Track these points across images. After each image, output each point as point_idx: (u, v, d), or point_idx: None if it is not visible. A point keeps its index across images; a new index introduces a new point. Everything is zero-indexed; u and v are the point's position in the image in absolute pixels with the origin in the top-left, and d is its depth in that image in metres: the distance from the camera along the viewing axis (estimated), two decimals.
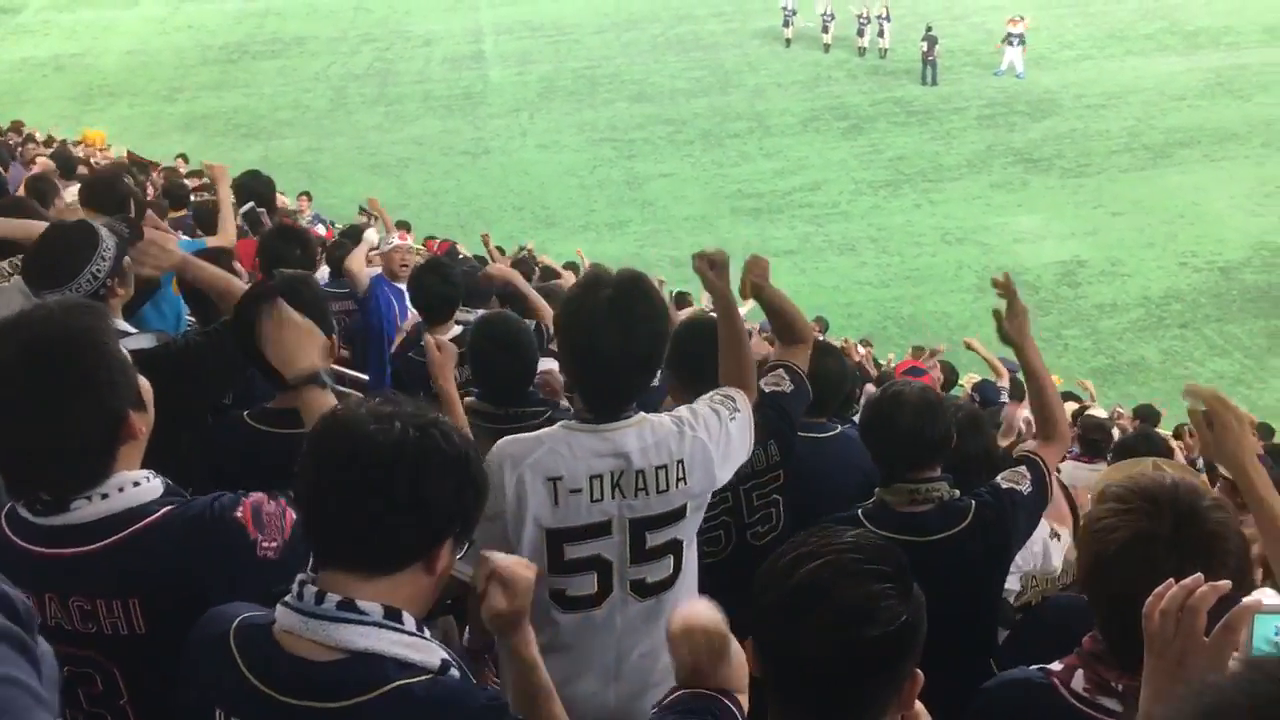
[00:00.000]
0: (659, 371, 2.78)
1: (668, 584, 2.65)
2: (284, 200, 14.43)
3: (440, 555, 1.74)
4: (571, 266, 14.86)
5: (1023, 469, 3.20)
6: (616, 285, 2.57)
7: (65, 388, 1.93)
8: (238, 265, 4.48)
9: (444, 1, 35.50)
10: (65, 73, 30.63)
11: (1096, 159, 23.26)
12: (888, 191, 22.38)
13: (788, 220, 20.49)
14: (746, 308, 6.31)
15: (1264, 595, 1.48)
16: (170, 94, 28.97)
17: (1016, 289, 3.30)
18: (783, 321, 3.41)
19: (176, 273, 3.73)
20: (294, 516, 2.10)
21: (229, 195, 5.98)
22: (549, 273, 11.90)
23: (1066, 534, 4.06)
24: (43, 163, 10.55)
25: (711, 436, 2.68)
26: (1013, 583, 3.65)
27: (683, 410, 2.73)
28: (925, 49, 27.42)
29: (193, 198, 9.90)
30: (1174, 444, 8.11)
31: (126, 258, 3.48)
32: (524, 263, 12.48)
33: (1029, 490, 3.15)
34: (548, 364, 4.58)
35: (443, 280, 5.14)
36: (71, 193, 6.24)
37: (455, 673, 1.73)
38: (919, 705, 1.75)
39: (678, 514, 2.62)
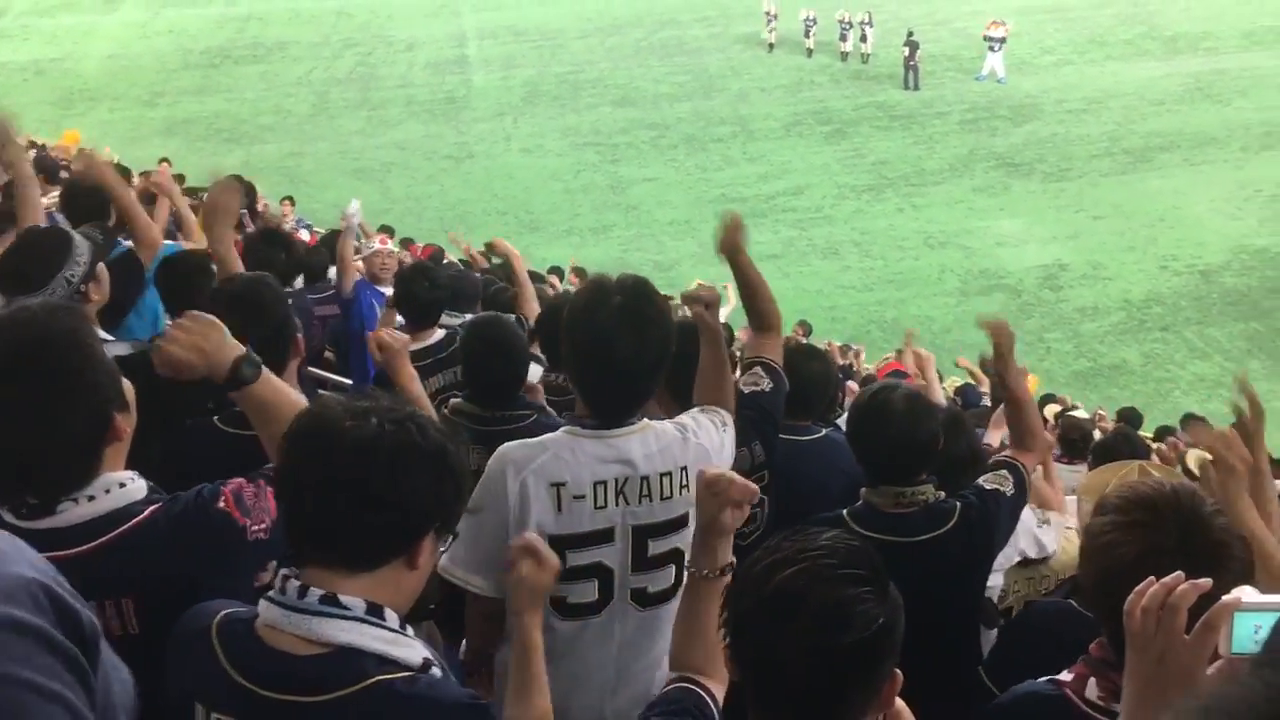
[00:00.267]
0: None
1: (668, 595, 2.63)
2: (267, 204, 14.39)
3: (422, 550, 1.74)
4: (556, 271, 14.84)
5: (1004, 472, 3.23)
6: (626, 291, 2.57)
7: (52, 390, 1.92)
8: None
9: (427, 6, 35.43)
10: (45, 77, 30.42)
11: (1077, 163, 23.38)
12: (870, 195, 22.44)
13: (771, 224, 20.51)
14: (730, 308, 6.33)
15: (1243, 593, 1.47)
16: (151, 99, 28.81)
17: (1003, 327, 3.35)
18: (753, 295, 3.37)
19: (210, 232, 3.74)
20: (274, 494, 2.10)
21: (184, 201, 5.95)
22: (534, 277, 11.88)
23: (1055, 517, 4.09)
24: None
25: (712, 444, 2.69)
26: (996, 579, 3.66)
27: (684, 418, 2.74)
28: (907, 54, 27.51)
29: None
30: (1154, 446, 8.15)
31: (101, 264, 3.47)
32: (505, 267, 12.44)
33: (1012, 492, 3.17)
34: (535, 371, 4.57)
35: (429, 285, 5.14)
36: (53, 197, 6.20)
37: (437, 671, 1.73)
38: (900, 703, 1.75)
39: (680, 522, 2.62)
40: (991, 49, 27.79)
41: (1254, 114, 25.37)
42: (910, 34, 27.70)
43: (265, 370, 2.22)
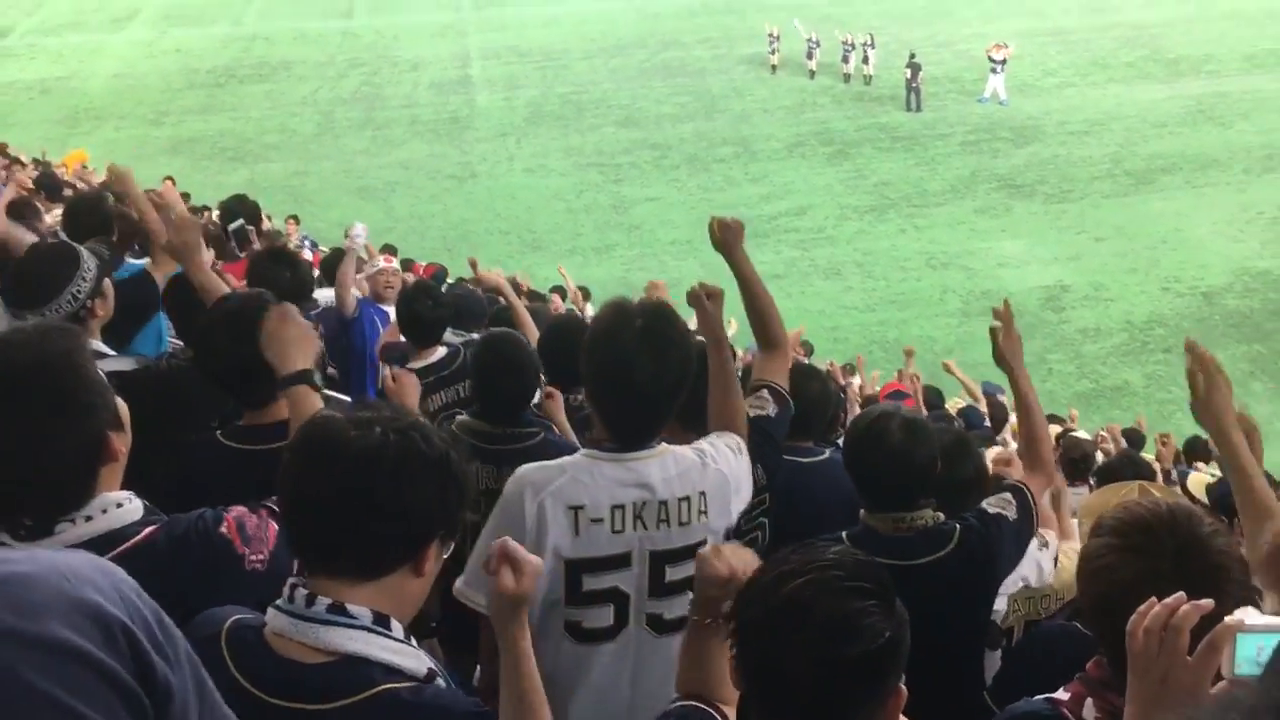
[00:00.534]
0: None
1: (685, 622, 2.61)
2: (271, 224, 14.42)
3: (427, 557, 1.75)
4: (558, 290, 14.86)
5: (1008, 495, 3.20)
6: (648, 314, 2.57)
7: (47, 412, 1.93)
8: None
9: (431, 27, 35.63)
10: (51, 96, 30.58)
11: (1079, 185, 23.43)
12: (873, 216, 22.48)
13: (773, 245, 20.54)
14: (733, 330, 6.34)
15: (1246, 614, 1.48)
16: (157, 117, 28.95)
17: (1014, 318, 3.41)
18: (755, 305, 3.33)
19: (184, 268, 3.69)
20: (275, 527, 2.12)
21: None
22: (535, 296, 11.91)
23: (1053, 538, 4.08)
24: (20, 180, 10.52)
25: (729, 471, 2.68)
26: (1000, 603, 3.65)
27: (702, 443, 2.73)
28: (909, 76, 27.61)
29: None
30: (1155, 463, 8.14)
31: (106, 280, 3.48)
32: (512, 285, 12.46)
33: (1015, 517, 3.15)
34: None
35: (432, 304, 5.15)
36: (56, 215, 6.23)
37: (441, 682, 1.74)
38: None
39: (697, 548, 2.58)
40: (993, 71, 27.89)
41: (1256, 137, 25.43)
42: (912, 56, 27.82)
43: (319, 391, 2.45)
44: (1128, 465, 5.63)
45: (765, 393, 3.29)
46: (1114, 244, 20.92)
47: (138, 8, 38.81)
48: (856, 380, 12.85)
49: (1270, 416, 14.67)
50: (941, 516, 3.12)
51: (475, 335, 5.76)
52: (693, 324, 3.31)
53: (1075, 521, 4.71)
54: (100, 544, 1.98)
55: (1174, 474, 8.48)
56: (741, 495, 2.74)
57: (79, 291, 3.36)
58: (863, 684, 1.65)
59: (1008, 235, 21.42)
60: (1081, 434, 10.06)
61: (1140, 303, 19.01)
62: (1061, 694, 2.00)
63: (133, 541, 2.02)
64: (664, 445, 2.63)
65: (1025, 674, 2.78)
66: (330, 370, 6.88)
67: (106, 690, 1.12)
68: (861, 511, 3.17)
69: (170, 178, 19.48)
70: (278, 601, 1.73)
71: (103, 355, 3.30)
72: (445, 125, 28.02)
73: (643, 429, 2.61)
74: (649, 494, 2.56)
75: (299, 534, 1.74)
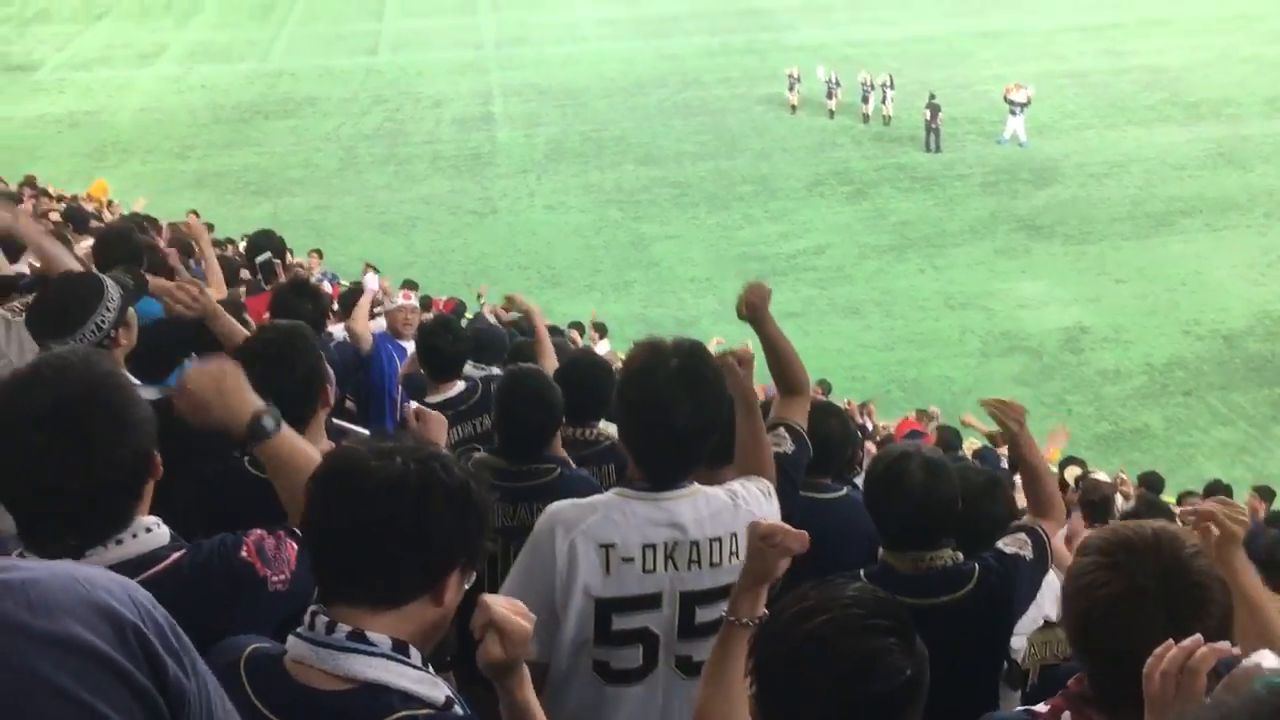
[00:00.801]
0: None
1: None
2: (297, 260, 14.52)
3: (448, 587, 1.76)
4: (577, 326, 14.92)
5: (1023, 536, 3.20)
6: (683, 353, 2.57)
7: (105, 430, 1.96)
8: (246, 316, 4.53)
9: (454, 64, 36.00)
10: (80, 129, 30.99)
11: (1099, 226, 23.39)
12: (892, 256, 22.50)
13: (792, 283, 20.56)
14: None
15: (1264, 658, 1.47)
16: (183, 151, 29.28)
17: (1006, 408, 3.35)
18: (779, 361, 3.37)
19: (207, 321, 3.77)
20: (294, 546, 2.14)
21: (212, 251, 6.07)
22: (553, 331, 11.95)
23: (1052, 571, 4.05)
24: (48, 208, 10.68)
25: (760, 514, 2.66)
26: (1019, 641, 3.62)
27: (734, 485, 2.73)
28: (929, 116, 27.69)
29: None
30: (1177, 511, 8.07)
31: (130, 309, 3.53)
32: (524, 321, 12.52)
33: (1031, 557, 3.15)
34: None
35: (452, 338, 5.19)
36: (85, 246, 6.31)
37: (459, 710, 1.74)
38: None
39: (729, 590, 2.57)
40: (1013, 112, 27.95)
41: (1276, 180, 25.38)
42: (932, 96, 27.92)
43: (285, 428, 2.27)
44: (1148, 511, 5.59)
45: (783, 430, 3.30)
46: (1134, 286, 20.86)
47: (165, 44, 39.38)
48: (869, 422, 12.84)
49: None
50: (961, 556, 3.11)
51: (495, 369, 5.79)
52: None
53: None
54: (130, 568, 2.00)
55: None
56: None
57: (103, 321, 3.39)
58: None
59: (1027, 276, 21.39)
60: (1102, 476, 10.00)
61: (1160, 345, 18.92)
62: (1041, 707, 2.01)
63: (162, 565, 2.04)
64: (696, 485, 2.63)
65: None
66: (348, 404, 6.92)
67: (119, 686, 1.14)
68: (880, 549, 3.16)
69: (194, 211, 19.73)
70: (298, 629, 1.75)
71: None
72: (467, 161, 28.25)
73: (676, 468, 2.61)
74: (681, 534, 2.55)
75: (322, 562, 1.76)
